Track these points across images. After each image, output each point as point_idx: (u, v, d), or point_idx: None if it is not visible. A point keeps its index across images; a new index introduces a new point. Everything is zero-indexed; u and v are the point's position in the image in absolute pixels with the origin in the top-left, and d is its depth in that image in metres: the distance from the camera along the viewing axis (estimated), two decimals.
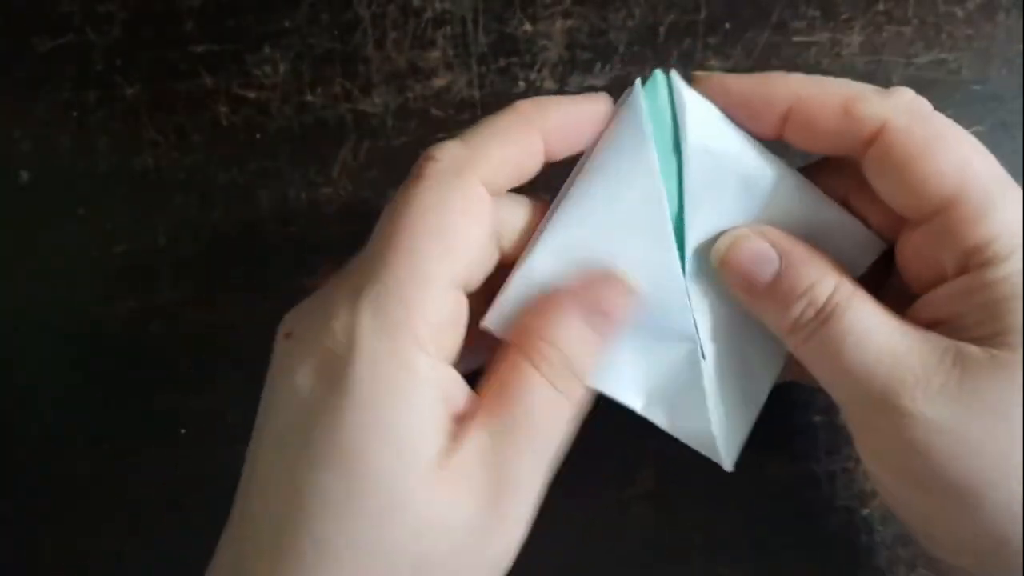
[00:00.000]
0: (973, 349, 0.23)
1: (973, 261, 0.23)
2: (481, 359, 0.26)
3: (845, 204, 0.26)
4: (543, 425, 0.24)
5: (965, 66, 0.34)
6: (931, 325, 0.24)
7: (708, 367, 0.26)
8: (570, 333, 0.24)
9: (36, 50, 0.35)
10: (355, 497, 0.22)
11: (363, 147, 0.34)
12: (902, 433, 0.23)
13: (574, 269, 0.25)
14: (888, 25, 0.34)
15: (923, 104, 0.25)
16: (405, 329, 0.23)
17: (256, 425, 0.24)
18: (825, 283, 0.24)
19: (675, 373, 0.26)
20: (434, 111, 0.34)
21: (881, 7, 0.34)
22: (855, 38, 0.34)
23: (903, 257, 0.26)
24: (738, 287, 0.26)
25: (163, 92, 0.34)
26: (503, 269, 0.26)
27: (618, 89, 0.26)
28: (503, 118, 0.25)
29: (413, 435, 0.22)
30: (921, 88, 0.25)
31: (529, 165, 0.26)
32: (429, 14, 0.34)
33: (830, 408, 0.33)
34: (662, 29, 0.34)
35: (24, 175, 0.34)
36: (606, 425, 0.26)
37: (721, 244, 0.26)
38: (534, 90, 0.34)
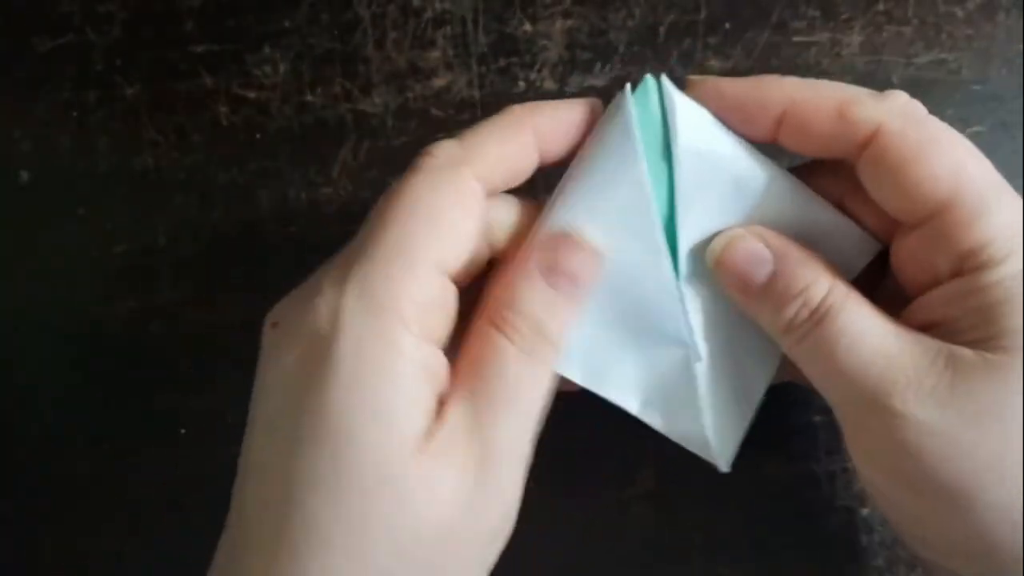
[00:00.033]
0: (966, 352, 0.23)
1: (967, 265, 0.23)
2: None
3: (840, 207, 0.26)
4: (519, 391, 0.24)
5: (965, 66, 0.34)
6: (925, 328, 0.24)
7: (702, 368, 0.26)
8: (534, 298, 0.24)
9: (36, 50, 0.35)
10: (343, 474, 0.22)
11: (363, 147, 0.34)
12: (894, 434, 0.23)
13: None
14: (888, 25, 0.34)
15: (917, 107, 0.25)
16: (390, 308, 0.23)
17: (248, 417, 0.24)
18: (819, 284, 0.24)
19: (669, 375, 0.26)
20: (434, 111, 0.34)
21: (881, 7, 0.34)
22: (855, 38, 0.34)
23: (898, 260, 0.26)
24: (733, 287, 0.26)
25: (163, 92, 0.35)
26: (493, 268, 0.26)
27: (618, 89, 0.26)
28: (498, 120, 0.26)
29: (398, 412, 0.23)
30: (921, 88, 0.25)
31: (523, 165, 0.26)
32: (429, 14, 0.34)
33: (830, 408, 0.33)
34: (662, 29, 0.34)
35: (24, 175, 0.35)
36: (606, 425, 0.26)
37: (716, 244, 0.26)
38: (534, 90, 0.34)
